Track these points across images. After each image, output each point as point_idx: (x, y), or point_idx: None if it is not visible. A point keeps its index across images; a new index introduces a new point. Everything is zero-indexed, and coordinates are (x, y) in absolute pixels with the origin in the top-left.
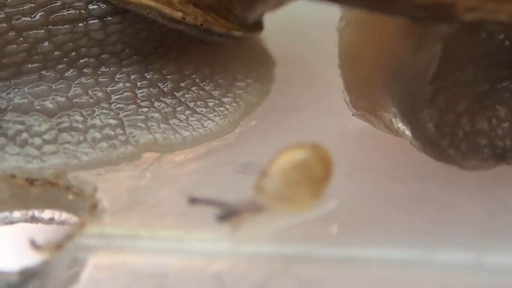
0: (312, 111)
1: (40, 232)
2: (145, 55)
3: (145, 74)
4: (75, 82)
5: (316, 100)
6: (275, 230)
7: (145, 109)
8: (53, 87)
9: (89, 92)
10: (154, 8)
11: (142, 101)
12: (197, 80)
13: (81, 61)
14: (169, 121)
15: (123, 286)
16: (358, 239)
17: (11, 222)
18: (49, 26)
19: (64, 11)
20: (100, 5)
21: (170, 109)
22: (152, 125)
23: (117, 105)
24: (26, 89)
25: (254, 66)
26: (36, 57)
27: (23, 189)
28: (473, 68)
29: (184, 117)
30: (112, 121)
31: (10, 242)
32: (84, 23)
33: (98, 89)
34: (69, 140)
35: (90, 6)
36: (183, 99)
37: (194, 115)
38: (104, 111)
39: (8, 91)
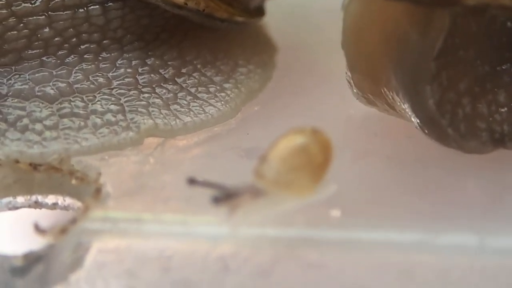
0: (314, 97)
1: (45, 217)
2: (147, 41)
3: (147, 60)
4: (76, 68)
5: (318, 85)
6: (279, 214)
7: (146, 95)
8: (54, 73)
9: (90, 77)
10: None
11: (143, 87)
12: (198, 66)
13: (82, 47)
14: (170, 107)
15: (128, 269)
16: (361, 223)
17: (15, 207)
18: (50, 12)
19: None
20: None
21: (171, 95)
22: (153, 111)
23: (118, 91)
24: (27, 75)
25: (256, 52)
26: (36, 43)
27: (27, 174)
28: (475, 48)
29: (185, 102)
30: (113, 107)
31: (15, 226)
32: (85, 8)
33: (99, 74)
34: (70, 125)
35: None
36: (184, 85)
37: (195, 100)
38: (105, 96)
39: (9, 77)
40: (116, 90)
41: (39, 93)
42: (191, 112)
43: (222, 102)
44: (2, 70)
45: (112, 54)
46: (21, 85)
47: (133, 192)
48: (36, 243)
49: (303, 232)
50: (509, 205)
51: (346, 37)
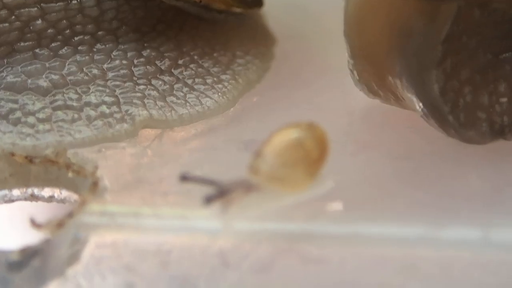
0: (315, 88)
1: (41, 211)
2: (143, 33)
3: (142, 52)
4: (70, 59)
5: (319, 76)
6: (278, 208)
7: (141, 87)
8: (47, 65)
9: (84, 69)
10: None
11: (139, 78)
12: (195, 57)
13: (76, 38)
14: (166, 99)
15: (126, 264)
16: (362, 217)
17: (11, 200)
18: (42, 4)
19: None
20: None
21: (168, 86)
22: (148, 102)
23: (113, 83)
24: (19, 68)
25: (254, 43)
26: (29, 35)
27: (23, 167)
28: (478, 36)
29: (181, 94)
30: (108, 99)
31: (11, 220)
32: (78, 0)
33: (94, 66)
34: (63, 118)
35: None
36: (181, 77)
37: (192, 92)
38: (100, 88)
39: (1, 69)
40: (111, 82)
41: (31, 86)
42: (187, 104)
43: (219, 94)
44: None
45: (107, 45)
46: (14, 78)
47: (130, 186)
48: (32, 237)
49: (303, 227)
50: None
51: (349, 25)
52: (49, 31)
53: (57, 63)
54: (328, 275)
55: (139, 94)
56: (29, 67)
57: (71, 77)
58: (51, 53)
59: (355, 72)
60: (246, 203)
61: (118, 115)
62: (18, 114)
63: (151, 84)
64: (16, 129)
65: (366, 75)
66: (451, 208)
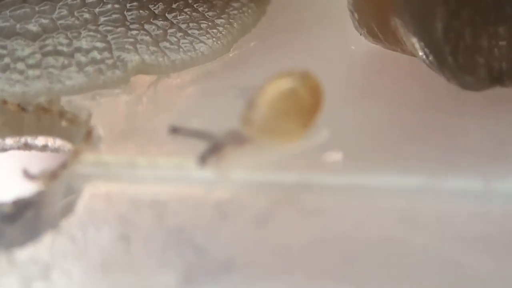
0: (314, 32)
1: (34, 161)
2: None
3: None
4: (60, 3)
5: (318, 20)
6: (276, 159)
7: (134, 32)
8: (36, 9)
9: (75, 13)
10: None
11: (132, 23)
12: (189, 1)
13: None
14: (159, 44)
15: (121, 215)
16: (362, 167)
17: (4, 149)
18: None
19: None
20: None
21: (161, 31)
22: (140, 48)
23: (105, 28)
24: (8, 12)
25: None
26: None
27: (15, 116)
28: None
29: (175, 39)
30: (99, 44)
31: (3, 172)
32: None
33: (85, 10)
34: (53, 64)
35: None
36: (175, 21)
37: (186, 37)
38: (91, 33)
39: None
40: (103, 27)
41: (21, 31)
42: (180, 49)
43: (214, 39)
44: None
45: None
46: (2, 22)
47: (125, 135)
48: (25, 189)
49: (302, 177)
50: None
51: None
52: None
53: (47, 6)
54: (328, 227)
55: (131, 40)
56: (18, 11)
57: (62, 21)
58: None
59: (355, 14)
60: (239, 157)
61: (109, 61)
62: (6, 60)
63: (144, 29)
64: (5, 76)
65: (367, 15)
66: (452, 158)
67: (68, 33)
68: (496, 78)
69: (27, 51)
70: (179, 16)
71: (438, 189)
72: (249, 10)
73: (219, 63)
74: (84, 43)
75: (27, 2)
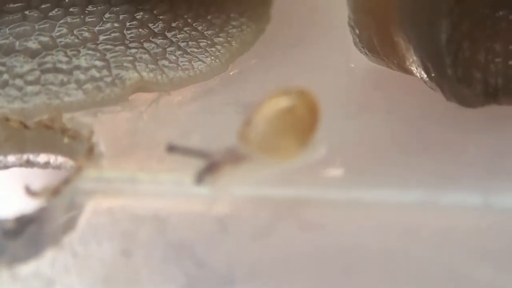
0: (314, 49)
1: (36, 177)
2: None
3: (135, 14)
4: (60, 21)
5: (318, 37)
6: (277, 173)
7: (133, 50)
8: (36, 27)
9: (75, 32)
10: None
11: (131, 42)
12: (189, 20)
13: (67, 0)
14: (158, 62)
15: (123, 230)
16: (362, 182)
17: (6, 167)
18: None
19: None
20: None
21: (160, 49)
22: (139, 66)
23: (104, 46)
24: (7, 30)
25: (249, 4)
26: None
27: (17, 132)
28: None
29: (174, 57)
30: (98, 62)
31: (5, 188)
32: None
33: (85, 29)
34: (52, 81)
35: None
36: (174, 40)
37: (184, 55)
38: (90, 52)
39: None
40: (102, 45)
41: (20, 48)
42: (179, 68)
43: (212, 57)
44: None
45: (99, 7)
46: (1, 40)
47: (127, 151)
48: (28, 205)
49: (302, 192)
50: None
51: None
52: None
53: (47, 25)
54: (327, 240)
55: (130, 58)
56: (17, 29)
57: (61, 40)
58: (41, 15)
59: (356, 29)
60: (236, 174)
61: (108, 79)
62: (5, 76)
63: (143, 47)
64: (4, 92)
65: (367, 31)
66: (451, 173)
67: (68, 51)
68: (492, 94)
69: (26, 67)
70: (178, 34)
71: (437, 203)
72: (248, 29)
73: (220, 80)
74: (83, 61)
75: (27, 20)
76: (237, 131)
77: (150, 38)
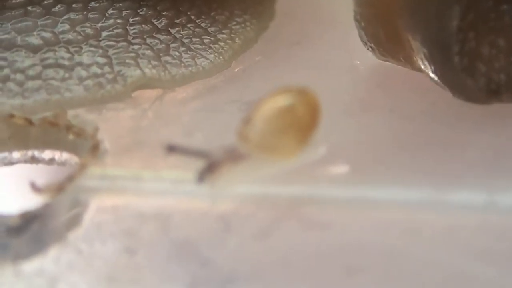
0: (318, 46)
1: (41, 174)
2: None
3: (139, 10)
4: (63, 18)
5: (323, 33)
6: (280, 172)
7: (136, 46)
8: (39, 22)
9: (78, 28)
10: None
11: (134, 38)
12: (192, 17)
13: None
14: (161, 58)
15: (127, 228)
16: (365, 180)
17: (11, 163)
18: None
19: None
20: None
21: (164, 45)
22: (142, 62)
23: (107, 42)
24: (9, 25)
25: (253, 1)
26: None
27: (22, 129)
28: None
29: (177, 54)
30: (100, 59)
31: (10, 184)
32: None
33: (88, 25)
34: (54, 76)
35: None
36: (178, 36)
37: (188, 52)
38: (92, 48)
39: None
40: (104, 42)
41: (21, 43)
42: (182, 64)
43: (216, 54)
44: None
45: (102, 3)
46: (3, 34)
47: (131, 148)
48: (32, 201)
49: (307, 190)
50: None
51: None
52: None
53: (49, 21)
54: (331, 240)
55: (132, 54)
56: (19, 24)
57: (63, 36)
58: (44, 11)
59: (362, 22)
60: (235, 174)
61: (110, 76)
62: (6, 71)
63: (145, 43)
64: (5, 87)
65: (374, 23)
66: (455, 172)
67: (70, 47)
68: (494, 91)
69: (28, 62)
70: (182, 31)
71: (441, 202)
72: (252, 26)
73: (224, 77)
74: (85, 58)
75: (29, 16)
76: (235, 131)
77: (154, 34)
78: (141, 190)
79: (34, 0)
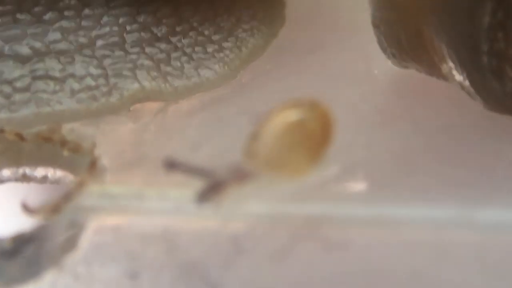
0: (333, 54)
1: (35, 193)
2: None
3: (137, 17)
4: (54, 26)
5: (337, 41)
6: (296, 189)
7: (134, 56)
8: (28, 31)
9: (70, 37)
10: None
11: (132, 47)
12: (195, 24)
13: (61, 3)
14: (161, 69)
15: (128, 250)
16: (388, 197)
17: (1, 181)
18: None
19: None
20: None
21: (164, 55)
22: (140, 74)
23: (102, 52)
24: None
25: (261, 7)
26: None
27: (13, 145)
28: None
29: (179, 64)
30: (94, 71)
31: (2, 205)
32: None
33: (81, 33)
34: (44, 89)
35: None
36: (179, 45)
37: (190, 62)
38: (86, 58)
39: None
40: (99, 52)
41: (9, 52)
42: (184, 75)
43: (221, 64)
44: None
45: (96, 10)
46: None
47: (132, 164)
48: (25, 223)
49: (325, 209)
50: None
51: None
52: None
53: (40, 29)
54: (351, 262)
55: (130, 65)
56: (7, 32)
57: (55, 45)
58: (34, 18)
59: (381, 27)
60: (240, 194)
61: (105, 89)
62: None
63: (144, 53)
64: None
65: (394, 27)
66: (488, 188)
67: (61, 58)
68: None
69: (16, 73)
70: (183, 39)
71: (471, 220)
72: (260, 33)
73: (232, 88)
74: (78, 69)
75: (18, 23)
76: (243, 146)
77: (153, 43)
78: (144, 209)
79: (23, 7)
